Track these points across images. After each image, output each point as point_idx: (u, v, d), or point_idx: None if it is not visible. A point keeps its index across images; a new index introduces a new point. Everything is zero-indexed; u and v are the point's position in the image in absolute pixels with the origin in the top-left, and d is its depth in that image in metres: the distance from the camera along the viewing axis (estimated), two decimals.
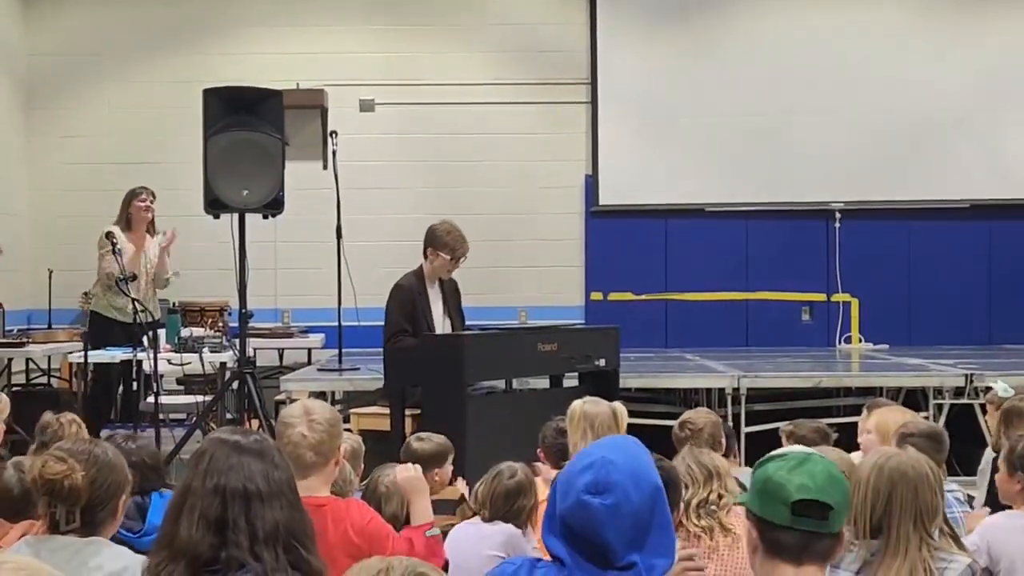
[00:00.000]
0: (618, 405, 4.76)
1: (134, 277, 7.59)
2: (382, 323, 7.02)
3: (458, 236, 6.85)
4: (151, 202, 8.33)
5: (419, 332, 6.69)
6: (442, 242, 6.81)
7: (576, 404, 4.73)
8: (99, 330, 8.17)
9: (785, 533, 2.33)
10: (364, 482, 4.35)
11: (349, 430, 5.57)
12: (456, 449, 4.93)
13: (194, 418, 7.55)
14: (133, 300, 7.09)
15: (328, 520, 3.11)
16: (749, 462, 5.48)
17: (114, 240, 7.67)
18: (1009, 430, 4.63)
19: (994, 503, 4.21)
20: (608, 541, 2.31)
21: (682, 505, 3.79)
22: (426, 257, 6.88)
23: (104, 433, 6.24)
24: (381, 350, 6.98)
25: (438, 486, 4.57)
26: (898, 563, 2.90)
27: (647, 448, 2.52)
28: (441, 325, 6.90)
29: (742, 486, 4.36)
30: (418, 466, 3.81)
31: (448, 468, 4.78)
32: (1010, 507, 3.91)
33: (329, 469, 3.27)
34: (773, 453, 2.47)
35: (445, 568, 3.32)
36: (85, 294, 9.07)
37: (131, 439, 3.97)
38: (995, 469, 4.11)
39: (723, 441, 4.81)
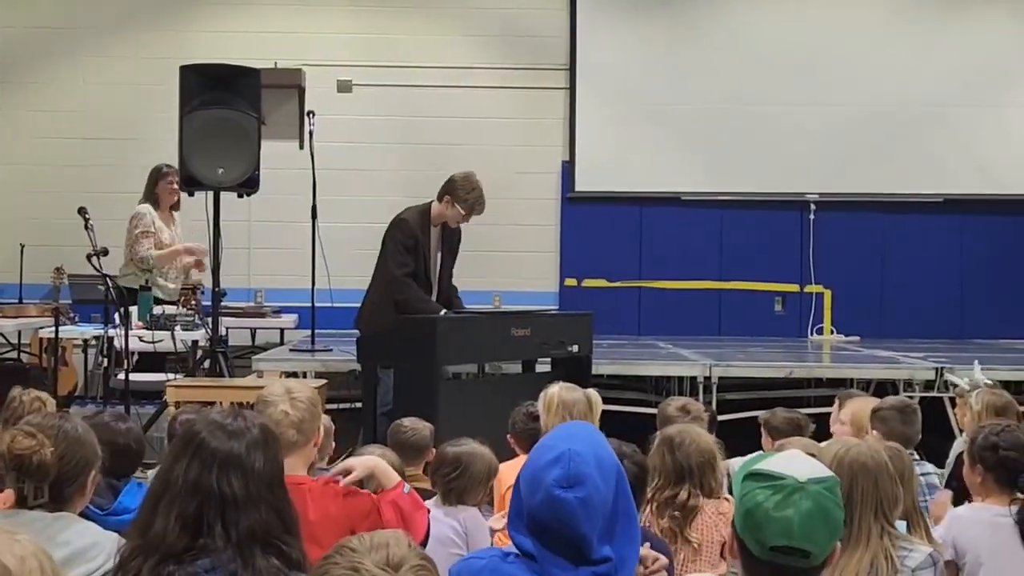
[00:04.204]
0: (592, 392, 4.63)
1: (106, 252, 7.52)
2: (355, 304, 7.01)
3: (478, 197, 6.81)
4: (176, 181, 8.15)
5: (417, 272, 6.74)
6: (461, 198, 6.77)
7: (553, 391, 4.53)
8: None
9: (762, 565, 2.17)
10: (334, 463, 4.31)
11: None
12: None
13: (164, 397, 7.51)
14: (105, 276, 7.02)
15: (307, 500, 3.08)
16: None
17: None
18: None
19: (962, 491, 4.22)
20: (584, 535, 2.26)
21: (648, 501, 3.61)
22: (440, 201, 6.85)
23: (91, 409, 6.17)
24: (355, 327, 6.94)
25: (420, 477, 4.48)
26: (859, 553, 2.92)
27: (619, 436, 2.49)
28: (437, 266, 6.93)
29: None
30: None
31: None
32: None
33: (309, 449, 3.26)
34: (765, 468, 2.19)
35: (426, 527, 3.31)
36: (57, 269, 9.00)
37: (121, 420, 3.93)
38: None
39: None
